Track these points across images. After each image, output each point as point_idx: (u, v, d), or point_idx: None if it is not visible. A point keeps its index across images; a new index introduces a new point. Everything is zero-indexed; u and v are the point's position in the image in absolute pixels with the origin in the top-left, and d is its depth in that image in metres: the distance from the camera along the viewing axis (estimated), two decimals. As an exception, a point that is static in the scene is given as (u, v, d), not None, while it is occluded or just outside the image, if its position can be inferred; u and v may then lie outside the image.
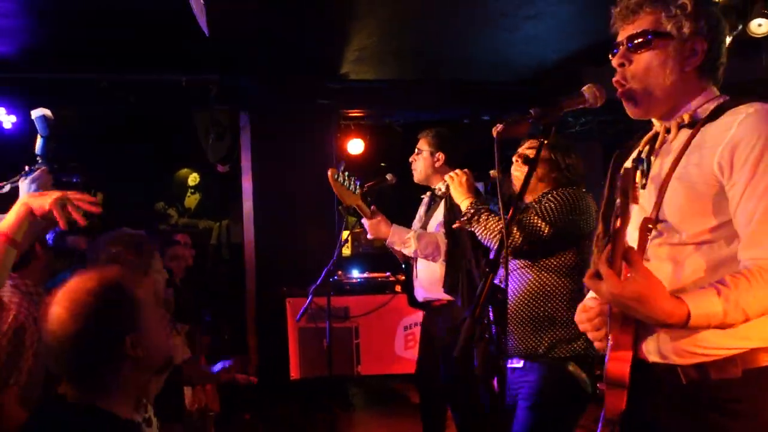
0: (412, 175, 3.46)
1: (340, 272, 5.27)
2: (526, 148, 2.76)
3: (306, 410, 4.87)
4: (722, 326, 1.38)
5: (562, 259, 2.61)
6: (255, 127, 5.77)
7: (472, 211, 2.68)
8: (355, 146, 6.52)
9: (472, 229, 2.69)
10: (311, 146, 5.78)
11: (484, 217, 2.64)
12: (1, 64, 5.22)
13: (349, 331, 4.76)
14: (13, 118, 5.56)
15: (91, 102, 5.77)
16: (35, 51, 5.09)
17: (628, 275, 1.37)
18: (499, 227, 2.56)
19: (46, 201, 1.83)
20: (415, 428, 3.53)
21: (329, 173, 3.13)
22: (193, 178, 8.68)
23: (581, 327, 1.71)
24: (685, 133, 1.55)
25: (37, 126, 2.19)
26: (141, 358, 1.48)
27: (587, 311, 1.68)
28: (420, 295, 3.36)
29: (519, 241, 2.55)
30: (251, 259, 5.76)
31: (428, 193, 3.46)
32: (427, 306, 3.37)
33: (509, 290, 2.69)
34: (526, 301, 2.63)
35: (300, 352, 4.81)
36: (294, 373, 4.87)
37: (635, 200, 1.42)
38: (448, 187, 2.87)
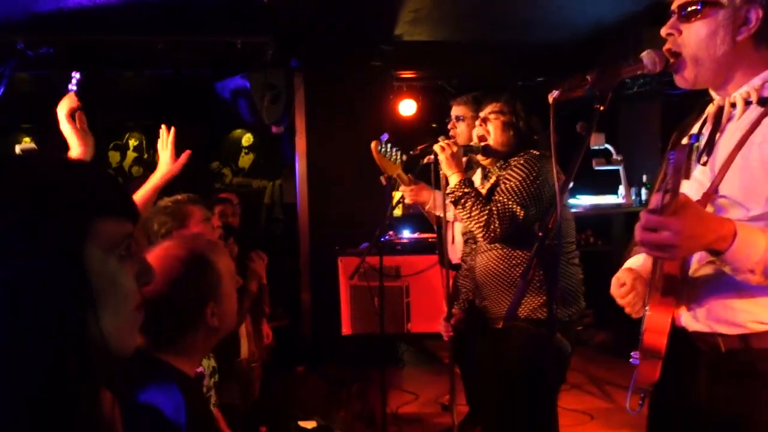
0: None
1: (391, 232, 5.36)
2: (489, 112, 2.83)
3: (357, 365, 5.03)
4: (758, 268, 1.33)
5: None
6: (309, 88, 5.85)
7: (459, 193, 2.71)
8: (408, 107, 6.53)
9: (456, 210, 2.75)
10: (364, 107, 5.83)
11: (469, 204, 2.67)
12: (63, 26, 5.39)
13: (400, 289, 4.85)
14: (79, 79, 5.73)
15: (148, 64, 5.92)
16: (95, 14, 5.23)
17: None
18: (483, 219, 2.61)
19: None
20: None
21: (372, 145, 3.22)
22: (247, 139, 8.83)
23: (618, 301, 1.74)
24: (756, 110, 1.50)
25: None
26: (216, 327, 1.55)
27: (622, 287, 1.70)
28: (455, 257, 3.42)
29: (499, 231, 2.60)
30: (304, 219, 5.90)
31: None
32: (460, 267, 3.43)
33: (478, 257, 2.79)
34: (497, 267, 2.71)
35: (351, 309, 4.94)
36: (345, 329, 5.02)
37: (687, 176, 1.42)
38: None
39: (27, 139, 8.20)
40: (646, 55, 1.73)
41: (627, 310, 1.74)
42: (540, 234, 1.72)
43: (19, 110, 7.29)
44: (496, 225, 2.60)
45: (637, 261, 1.80)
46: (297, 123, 5.93)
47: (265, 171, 8.64)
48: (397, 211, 6.08)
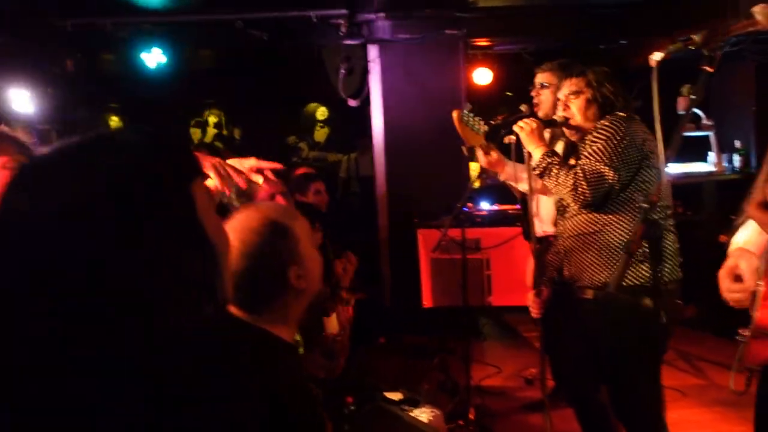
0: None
1: (470, 204, 5.29)
2: (567, 94, 2.71)
3: (437, 337, 5.04)
4: None
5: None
6: (384, 60, 5.81)
7: (544, 164, 2.67)
8: (483, 76, 6.39)
9: (545, 182, 2.70)
10: (439, 77, 5.75)
11: (555, 171, 2.63)
12: (147, 9, 5.54)
13: (480, 262, 4.80)
14: (161, 59, 5.92)
15: (227, 41, 6.02)
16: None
17: None
18: (570, 183, 2.55)
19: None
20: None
21: (455, 115, 3.13)
22: (322, 112, 8.88)
23: (725, 295, 1.65)
24: None
25: None
26: (303, 288, 1.57)
27: (736, 286, 1.60)
28: (539, 229, 3.34)
29: (588, 193, 2.53)
30: (383, 192, 5.90)
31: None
32: (545, 240, 3.35)
33: (567, 222, 2.72)
34: (581, 230, 2.64)
35: (432, 282, 4.93)
36: (426, 302, 5.03)
37: None
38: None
39: (115, 118, 8.53)
40: (760, 11, 1.62)
41: (731, 303, 1.65)
42: (645, 205, 1.65)
43: (107, 90, 7.59)
44: (585, 187, 2.53)
45: (752, 238, 1.70)
46: (372, 95, 5.91)
47: (341, 144, 8.68)
48: (475, 183, 6.01)
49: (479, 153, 3.22)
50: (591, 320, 2.69)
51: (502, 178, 3.32)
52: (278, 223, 1.58)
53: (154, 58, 5.94)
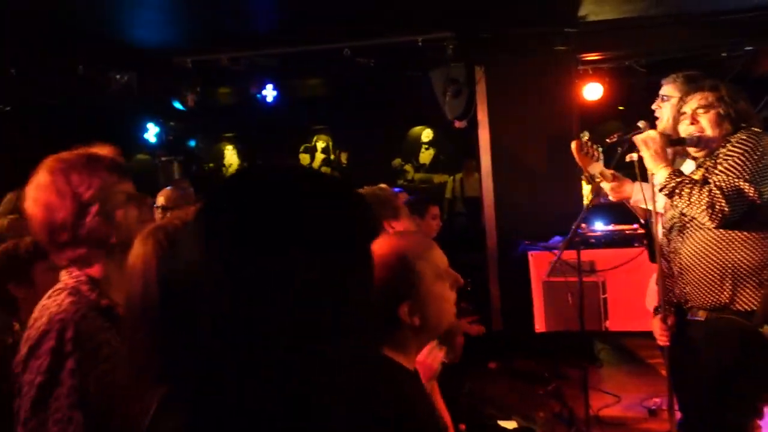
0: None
1: (583, 225, 5.11)
2: (696, 108, 2.57)
3: (552, 363, 4.86)
4: None
5: None
6: (490, 79, 5.75)
7: (672, 184, 2.52)
8: (593, 91, 6.19)
9: (674, 202, 2.55)
10: (547, 95, 5.62)
11: (687, 190, 2.47)
12: (258, 41, 5.79)
13: (596, 285, 4.61)
14: (274, 93, 6.16)
15: (336, 69, 6.18)
16: (286, 27, 5.56)
17: None
18: (704, 201, 2.40)
19: None
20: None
21: (573, 146, 3.06)
22: (427, 134, 8.94)
23: None
24: None
25: None
26: (417, 326, 1.53)
27: None
28: None
29: (728, 211, 2.37)
30: (491, 213, 5.81)
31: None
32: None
33: (687, 240, 2.57)
34: (706, 249, 2.49)
35: (545, 306, 4.78)
36: (539, 326, 4.87)
37: None
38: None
39: (230, 147, 8.95)
40: None
41: None
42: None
43: (223, 120, 8.01)
44: (723, 204, 2.39)
45: None
46: (479, 116, 5.86)
47: (446, 166, 8.69)
48: (586, 201, 5.79)
49: (605, 184, 3.12)
50: (702, 342, 2.55)
51: (632, 202, 3.18)
52: (401, 257, 1.54)
53: (267, 92, 6.20)
